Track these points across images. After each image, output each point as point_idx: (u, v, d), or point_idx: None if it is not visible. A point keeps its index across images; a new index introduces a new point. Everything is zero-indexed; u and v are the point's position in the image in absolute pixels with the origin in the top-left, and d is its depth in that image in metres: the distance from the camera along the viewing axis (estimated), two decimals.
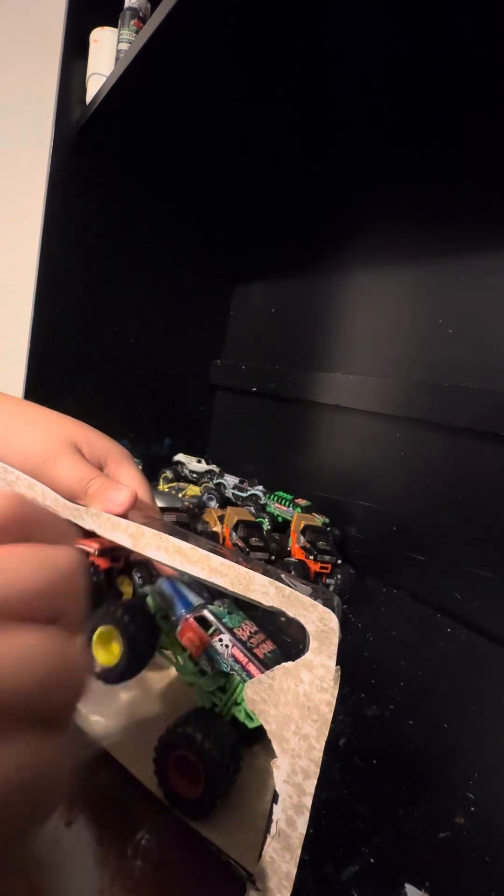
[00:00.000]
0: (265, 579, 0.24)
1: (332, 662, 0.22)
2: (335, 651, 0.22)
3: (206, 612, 0.32)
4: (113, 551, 0.36)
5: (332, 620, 0.22)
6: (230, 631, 0.31)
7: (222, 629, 0.31)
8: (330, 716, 0.22)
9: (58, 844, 0.25)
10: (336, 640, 0.22)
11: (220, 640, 0.30)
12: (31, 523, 0.17)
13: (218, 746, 0.26)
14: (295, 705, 0.22)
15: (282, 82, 0.62)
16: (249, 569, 0.24)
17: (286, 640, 0.34)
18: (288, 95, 0.64)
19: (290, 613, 0.23)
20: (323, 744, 0.22)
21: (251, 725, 0.29)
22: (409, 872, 0.27)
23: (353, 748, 0.36)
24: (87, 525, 0.29)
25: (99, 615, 0.31)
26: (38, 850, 0.25)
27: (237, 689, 0.30)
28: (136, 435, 1.01)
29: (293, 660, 0.27)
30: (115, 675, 0.30)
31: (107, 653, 0.30)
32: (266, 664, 0.29)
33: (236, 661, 0.29)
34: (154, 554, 0.27)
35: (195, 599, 0.33)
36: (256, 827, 0.27)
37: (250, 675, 0.29)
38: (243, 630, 0.31)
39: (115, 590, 0.37)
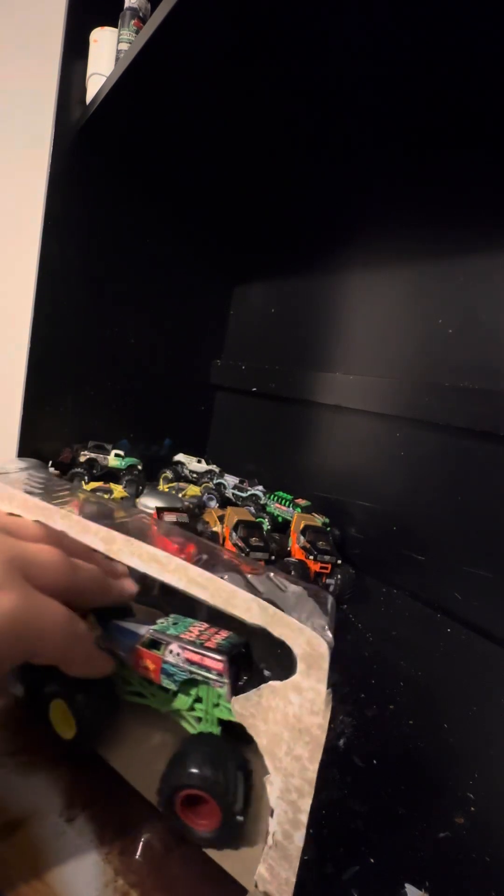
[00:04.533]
0: (248, 596, 0.23)
1: (323, 686, 0.21)
2: (325, 675, 0.21)
3: (149, 634, 0.31)
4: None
5: (321, 645, 0.21)
6: (177, 639, 0.30)
7: (169, 640, 0.30)
8: (323, 738, 0.21)
9: (60, 838, 0.25)
10: (326, 665, 0.21)
11: (170, 651, 0.29)
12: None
13: (223, 770, 0.25)
14: (285, 726, 0.22)
15: (282, 83, 0.62)
16: (249, 580, 0.24)
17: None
18: (288, 96, 0.64)
19: (276, 633, 0.22)
20: (316, 765, 0.21)
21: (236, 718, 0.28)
22: (409, 872, 0.27)
23: (353, 748, 0.36)
24: (59, 526, 0.29)
25: (52, 686, 0.31)
26: (40, 840, 0.25)
27: (209, 692, 0.29)
28: (136, 435, 1.01)
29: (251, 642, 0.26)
30: (77, 748, 0.30)
31: (65, 725, 0.30)
32: (222, 650, 0.28)
33: (191, 662, 0.29)
34: (128, 560, 0.26)
35: (143, 629, 0.32)
36: (253, 839, 0.26)
37: (209, 669, 0.28)
38: (191, 632, 0.31)
39: None
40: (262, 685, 0.23)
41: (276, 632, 0.22)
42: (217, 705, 0.29)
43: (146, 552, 0.26)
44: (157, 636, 0.30)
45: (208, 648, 0.29)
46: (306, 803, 0.21)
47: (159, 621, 0.33)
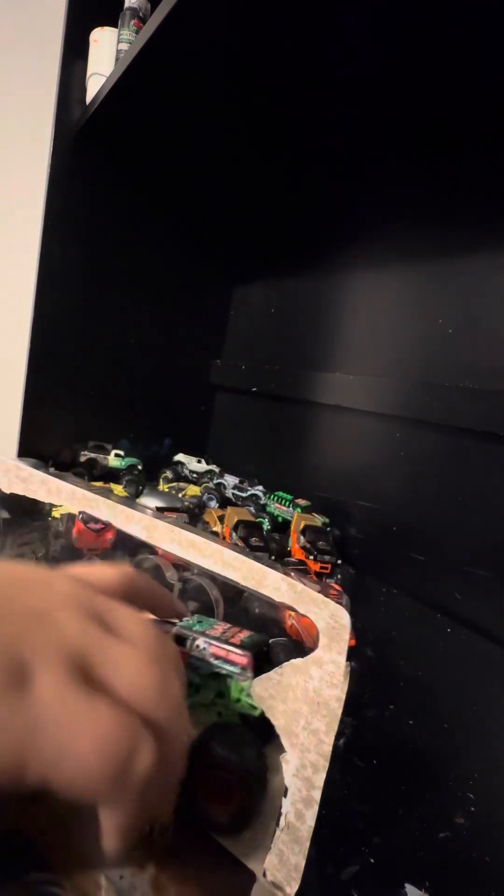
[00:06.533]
0: (278, 575, 0.24)
1: (343, 659, 0.22)
2: (346, 647, 0.22)
3: (175, 630, 0.32)
4: None
5: (344, 617, 0.22)
6: (203, 634, 0.31)
7: (195, 635, 0.31)
8: (339, 711, 0.22)
9: (80, 811, 0.26)
10: (347, 637, 0.22)
11: (197, 645, 0.30)
12: (141, 594, 0.25)
13: (244, 755, 0.26)
14: (304, 701, 0.23)
15: (282, 83, 0.62)
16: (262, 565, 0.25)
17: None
18: (288, 96, 0.64)
19: (301, 610, 0.23)
20: (332, 738, 0.22)
21: (256, 714, 0.29)
22: (409, 872, 0.27)
23: (353, 748, 0.36)
24: (103, 515, 0.30)
25: None
26: (69, 806, 0.25)
27: (232, 686, 0.30)
28: (136, 435, 1.01)
29: (271, 640, 0.27)
30: None
31: None
32: (245, 647, 0.29)
33: (217, 657, 0.30)
34: (167, 546, 0.27)
35: (166, 626, 0.33)
36: (264, 826, 0.27)
37: (234, 664, 0.29)
38: (215, 629, 0.32)
39: None
40: (284, 663, 0.24)
41: (303, 608, 0.23)
42: (238, 700, 0.30)
43: (185, 538, 0.27)
44: (183, 631, 0.31)
45: (233, 644, 0.29)
46: (320, 779, 0.22)
47: (184, 619, 0.34)
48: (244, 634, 0.32)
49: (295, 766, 0.23)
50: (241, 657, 0.29)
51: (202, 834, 0.26)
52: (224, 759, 0.26)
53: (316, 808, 0.22)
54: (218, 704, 0.31)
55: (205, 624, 0.33)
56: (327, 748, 0.22)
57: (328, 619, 0.22)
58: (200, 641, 0.30)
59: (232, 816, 0.26)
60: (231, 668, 0.29)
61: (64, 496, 0.31)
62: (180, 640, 0.31)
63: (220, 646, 0.30)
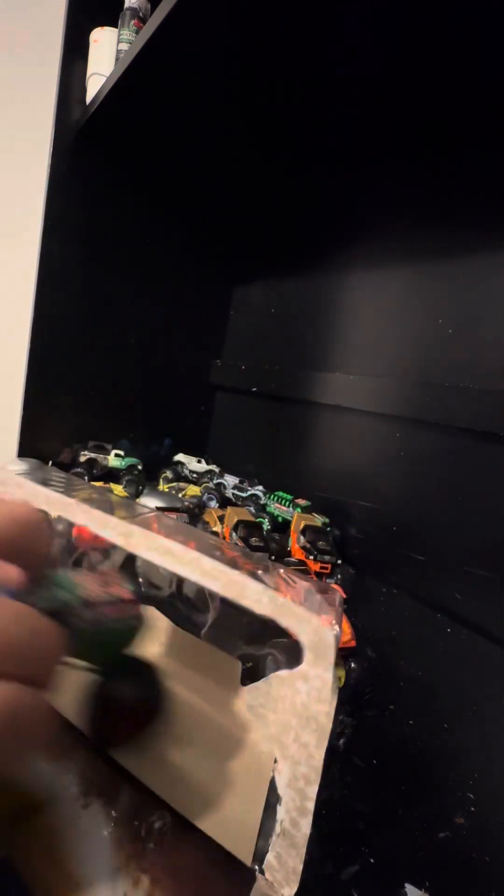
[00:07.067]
0: (259, 587, 0.23)
1: (329, 675, 0.22)
2: (331, 664, 0.22)
3: (49, 608, 0.22)
4: None
5: (328, 633, 0.22)
6: (85, 603, 0.23)
7: (76, 605, 0.23)
8: (329, 726, 0.22)
9: (75, 823, 0.25)
10: (332, 653, 0.22)
11: (81, 615, 0.23)
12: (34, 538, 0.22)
13: (141, 681, 0.26)
14: (293, 714, 0.23)
15: (282, 83, 0.62)
16: (247, 572, 0.24)
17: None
18: (288, 96, 0.64)
19: (284, 623, 0.23)
20: (322, 752, 0.22)
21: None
22: (409, 872, 0.27)
23: (353, 748, 0.36)
24: (79, 520, 0.29)
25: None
26: (58, 825, 0.25)
27: (122, 630, 0.26)
28: (136, 435, 1.01)
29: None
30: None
31: None
32: (134, 593, 0.26)
33: (108, 617, 0.24)
34: (144, 554, 0.27)
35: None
36: (251, 817, 0.27)
37: (131, 617, 0.25)
38: (90, 588, 0.24)
39: None
40: (271, 675, 0.23)
41: (285, 622, 0.22)
42: (128, 641, 0.26)
43: (162, 545, 0.26)
44: (59, 608, 0.23)
45: (121, 597, 0.25)
46: (313, 790, 0.22)
47: (42, 587, 0.24)
48: (118, 577, 0.27)
49: (287, 777, 0.23)
50: (133, 606, 0.26)
51: (198, 836, 0.26)
52: (124, 691, 0.26)
53: (310, 817, 0.22)
54: (109, 647, 0.26)
55: (71, 584, 0.24)
56: (318, 762, 0.22)
57: (311, 634, 0.22)
58: (84, 611, 0.23)
59: (137, 727, 0.26)
60: (128, 622, 0.25)
61: (40, 500, 0.30)
62: (61, 616, 0.23)
63: (109, 602, 0.25)
